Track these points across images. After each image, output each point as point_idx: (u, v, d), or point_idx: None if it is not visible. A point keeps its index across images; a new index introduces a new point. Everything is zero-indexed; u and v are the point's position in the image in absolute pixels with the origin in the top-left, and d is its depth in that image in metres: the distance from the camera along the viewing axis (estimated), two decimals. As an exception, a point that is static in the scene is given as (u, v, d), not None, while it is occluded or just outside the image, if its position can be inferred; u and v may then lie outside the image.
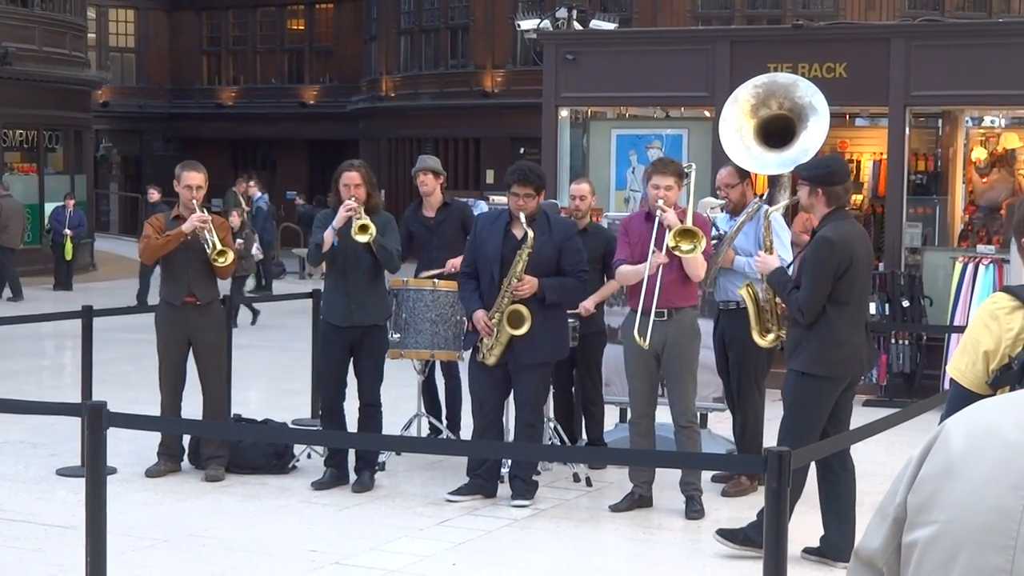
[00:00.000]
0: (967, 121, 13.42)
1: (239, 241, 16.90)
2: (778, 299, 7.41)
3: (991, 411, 1.87)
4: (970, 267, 11.63)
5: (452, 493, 8.23)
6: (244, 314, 17.38)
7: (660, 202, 7.67)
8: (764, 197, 8.76)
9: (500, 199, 20.36)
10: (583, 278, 8.15)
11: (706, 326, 9.09)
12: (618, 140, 13.07)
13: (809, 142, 9.14)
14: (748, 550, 6.88)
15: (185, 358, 8.87)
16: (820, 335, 6.79)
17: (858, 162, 14.73)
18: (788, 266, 7.33)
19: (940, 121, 13.94)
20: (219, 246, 8.66)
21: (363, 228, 8.24)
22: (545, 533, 7.62)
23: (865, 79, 12.20)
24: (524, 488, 8.13)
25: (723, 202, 8.74)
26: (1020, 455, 1.77)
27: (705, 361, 9.00)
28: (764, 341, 7.61)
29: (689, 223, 7.67)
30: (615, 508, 7.97)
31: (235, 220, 17.72)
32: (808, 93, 9.43)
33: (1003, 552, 1.74)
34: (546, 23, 20.64)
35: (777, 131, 9.38)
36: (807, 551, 7.02)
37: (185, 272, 8.80)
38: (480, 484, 8.22)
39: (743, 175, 8.73)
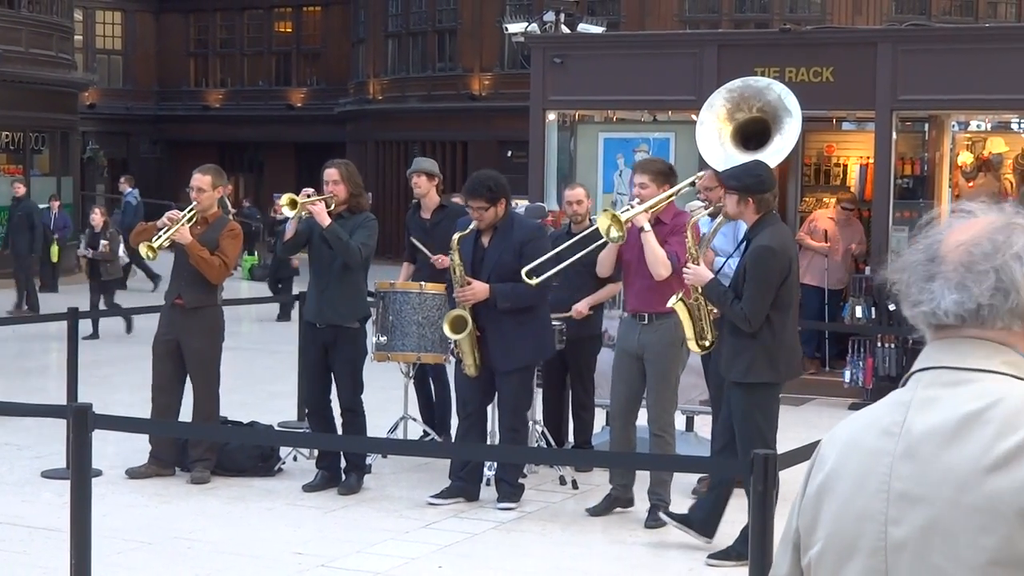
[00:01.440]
0: (953, 125, 13.45)
1: (103, 243, 16.66)
2: (710, 305, 7.30)
3: (854, 423, 1.96)
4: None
5: (434, 496, 8.23)
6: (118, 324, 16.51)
7: (635, 200, 7.67)
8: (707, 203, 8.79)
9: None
10: (548, 284, 8.01)
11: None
12: (605, 143, 13.08)
13: (783, 144, 9.15)
14: (744, 564, 6.86)
15: (172, 358, 8.83)
16: (765, 342, 6.81)
17: (845, 166, 14.75)
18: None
19: (926, 125, 13.96)
20: (162, 237, 8.61)
21: (291, 202, 8.32)
22: (531, 536, 7.62)
23: (852, 83, 12.23)
24: (510, 491, 8.13)
25: (705, 203, 8.76)
26: (878, 460, 1.86)
27: (691, 363, 9.01)
28: (700, 349, 7.47)
29: (628, 214, 7.49)
30: (592, 511, 7.94)
31: (96, 219, 17.37)
32: (781, 95, 9.42)
33: (875, 555, 1.82)
34: (534, 26, 20.62)
35: (755, 134, 9.39)
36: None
37: (180, 274, 8.82)
38: (462, 487, 8.22)
39: None
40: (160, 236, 8.61)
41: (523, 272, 7.72)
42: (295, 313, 14.51)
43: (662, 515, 7.44)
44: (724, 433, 7.20)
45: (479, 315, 7.99)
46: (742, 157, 9.21)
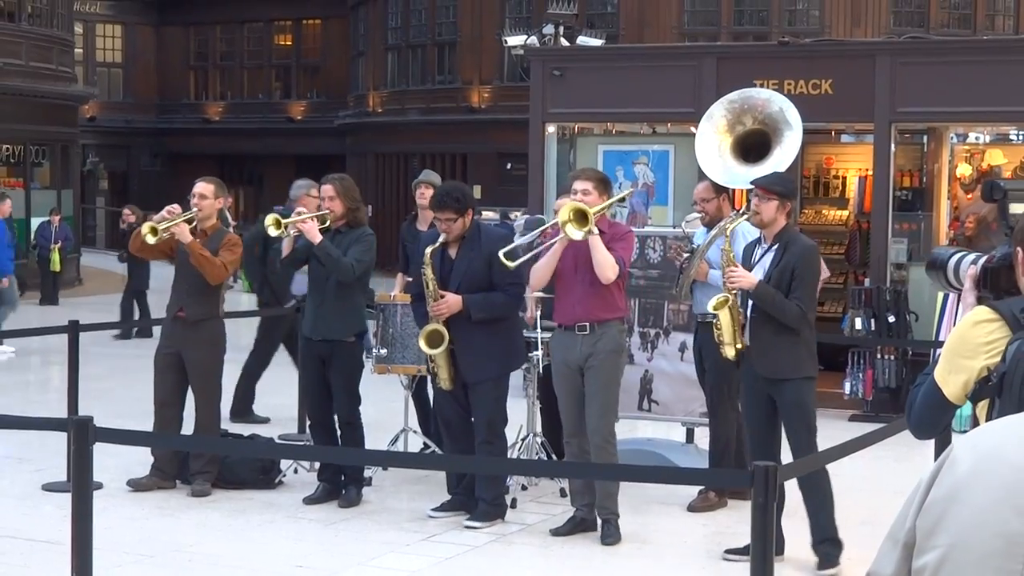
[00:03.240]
0: (952, 138, 13.47)
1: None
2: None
3: (998, 433, 1.86)
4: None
5: (435, 509, 8.23)
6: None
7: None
8: (742, 211, 8.79)
9: (489, 214, 20.39)
10: (512, 292, 7.94)
11: (690, 340, 9.12)
12: (605, 156, 13.10)
13: (783, 156, 9.17)
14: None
15: (175, 372, 8.84)
16: (807, 338, 7.08)
17: (844, 178, 14.78)
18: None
19: (925, 137, 13.99)
20: (158, 227, 8.58)
21: (276, 223, 8.35)
22: (532, 548, 7.62)
23: (851, 96, 12.26)
24: (484, 510, 8.02)
25: (700, 215, 8.78)
26: None
27: (692, 376, 9.02)
28: (733, 353, 7.48)
29: (587, 208, 7.34)
30: (556, 532, 7.77)
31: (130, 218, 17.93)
32: (782, 107, 9.45)
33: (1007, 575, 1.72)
34: (533, 39, 20.66)
35: (754, 146, 9.40)
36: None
37: (181, 286, 8.83)
38: (462, 501, 8.21)
39: (719, 189, 8.76)
40: (164, 223, 8.60)
41: (500, 254, 7.60)
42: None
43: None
44: (756, 435, 7.19)
45: (450, 328, 7.96)
46: (742, 169, 9.24)
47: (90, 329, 10.36)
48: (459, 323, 7.90)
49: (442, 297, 7.87)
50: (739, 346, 7.28)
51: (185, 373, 8.82)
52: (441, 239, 7.90)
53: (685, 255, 8.48)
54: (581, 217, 7.30)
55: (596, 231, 7.35)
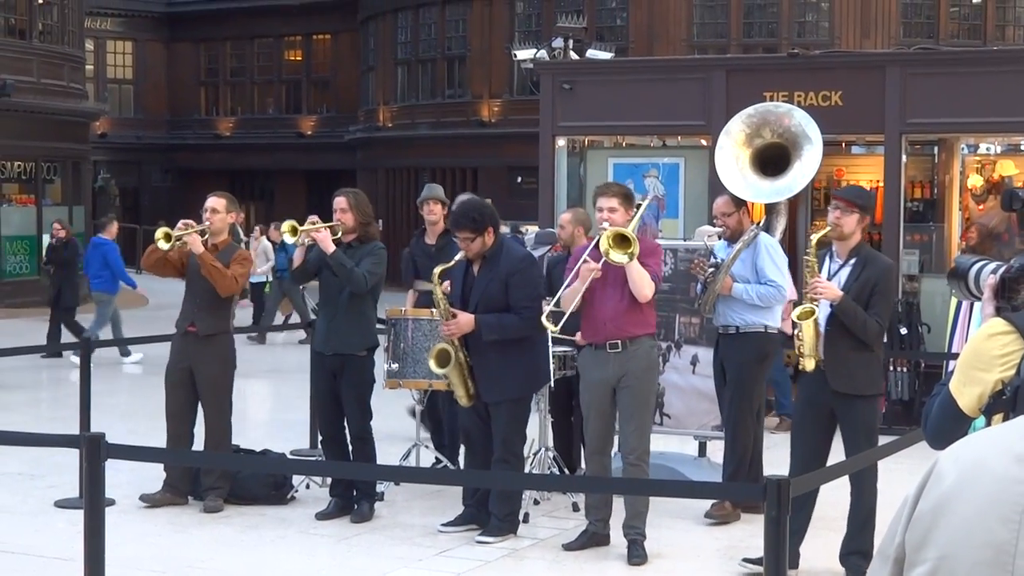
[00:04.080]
0: (963, 148, 13.45)
1: None
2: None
3: (981, 444, 1.87)
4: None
5: (445, 524, 8.21)
6: None
7: (605, 224, 7.45)
8: (761, 224, 8.78)
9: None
10: (526, 315, 7.82)
11: (706, 354, 9.10)
12: (615, 169, 13.09)
13: (803, 170, 9.15)
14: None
15: (186, 387, 8.85)
16: (878, 356, 7.12)
17: (855, 190, 14.74)
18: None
19: (936, 148, 13.96)
20: (173, 234, 8.57)
21: (292, 229, 8.35)
22: (544, 563, 7.60)
23: (861, 107, 12.24)
24: (496, 525, 8.01)
25: (720, 230, 8.75)
26: (1009, 488, 1.77)
27: (705, 389, 9.00)
28: (813, 366, 7.16)
29: (627, 230, 7.31)
30: (568, 547, 7.72)
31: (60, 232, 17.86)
32: (802, 122, 9.45)
33: None
34: (543, 53, 20.68)
35: (772, 159, 9.40)
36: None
37: (192, 301, 8.84)
38: (474, 514, 8.19)
39: (739, 203, 8.73)
40: (178, 231, 8.61)
41: (543, 319, 7.62)
42: (291, 342, 14.69)
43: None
44: (805, 449, 7.07)
45: (468, 346, 7.94)
46: (761, 183, 9.24)
47: (103, 345, 10.37)
48: (475, 343, 7.90)
49: (453, 316, 7.87)
50: (816, 360, 7.16)
51: (196, 388, 8.82)
52: (459, 256, 7.90)
53: (710, 269, 8.44)
54: (622, 241, 7.25)
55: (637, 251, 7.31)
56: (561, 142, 13.55)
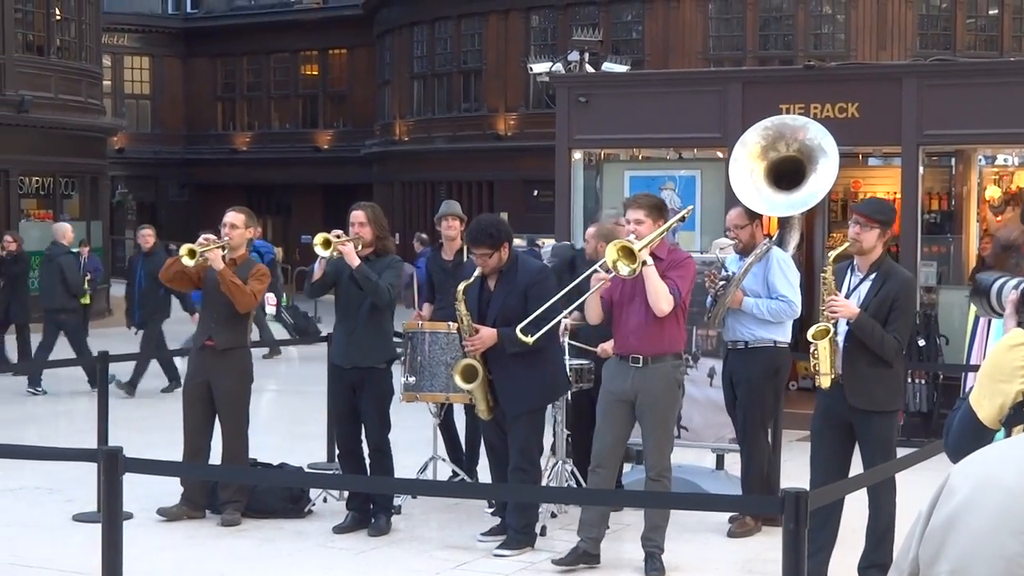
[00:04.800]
0: (980, 160, 13.42)
1: None
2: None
3: (992, 459, 1.87)
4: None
5: (484, 534, 8.22)
6: None
7: (631, 236, 7.36)
8: (774, 238, 8.76)
9: (517, 241, 20.43)
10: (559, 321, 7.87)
11: (719, 366, 9.09)
12: (631, 182, 13.10)
13: (819, 184, 9.12)
14: None
15: (204, 401, 8.87)
16: (898, 371, 7.07)
17: (872, 201, 14.71)
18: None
19: (953, 160, 13.93)
20: (197, 251, 8.59)
21: (325, 242, 8.33)
22: (562, 576, 7.58)
23: (878, 119, 12.23)
24: (513, 537, 8.01)
25: (734, 243, 8.74)
26: (1020, 501, 1.78)
27: (722, 402, 8.97)
28: (829, 384, 7.12)
29: (637, 245, 7.16)
30: (558, 562, 7.65)
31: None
32: (818, 135, 9.43)
33: None
34: (558, 66, 20.72)
35: (787, 173, 9.38)
36: None
37: (210, 316, 8.87)
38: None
39: (752, 216, 8.71)
40: (201, 247, 8.63)
41: (517, 329, 7.59)
42: (308, 356, 14.70)
43: None
44: (824, 464, 7.00)
45: (488, 360, 7.96)
46: (775, 196, 9.22)
47: (120, 360, 10.40)
48: (496, 356, 7.91)
49: (476, 332, 7.87)
50: (833, 376, 7.12)
51: (213, 402, 8.84)
52: (477, 273, 7.91)
53: (720, 283, 8.42)
54: (629, 254, 7.16)
55: (650, 262, 7.22)
56: (577, 155, 13.56)
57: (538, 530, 8.28)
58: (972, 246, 13.30)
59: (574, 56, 20.41)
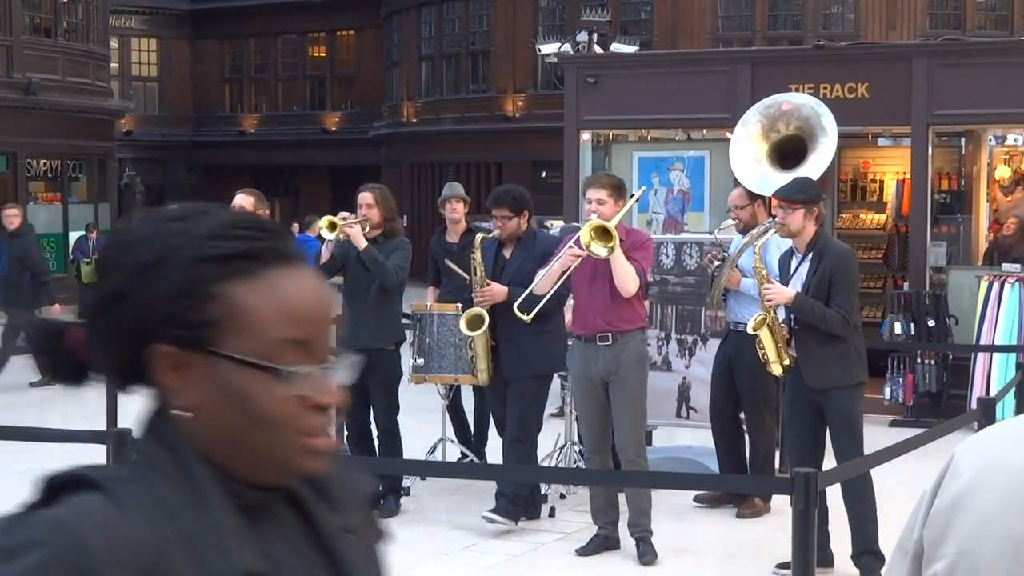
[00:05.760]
0: (990, 140, 13.38)
1: None
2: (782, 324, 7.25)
3: (999, 438, 1.84)
4: (996, 286, 11.59)
5: (491, 511, 8.24)
6: None
7: (593, 216, 7.31)
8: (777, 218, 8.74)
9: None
10: (562, 294, 7.86)
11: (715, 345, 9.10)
12: (640, 163, 13.07)
13: (819, 160, 9.08)
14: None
15: None
16: (855, 343, 7.00)
17: (881, 182, 14.70)
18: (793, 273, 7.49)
19: (963, 140, 13.90)
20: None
21: (331, 225, 8.37)
22: (571, 557, 7.58)
23: (887, 99, 12.18)
24: (506, 506, 8.03)
25: (736, 222, 8.74)
26: None
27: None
28: (781, 371, 7.38)
29: (609, 224, 7.14)
30: (582, 551, 7.61)
31: None
32: (818, 112, 9.39)
33: None
34: (567, 47, 20.67)
35: (790, 152, 9.35)
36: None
37: None
38: (525, 506, 8.22)
39: (753, 196, 8.71)
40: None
41: (515, 307, 7.62)
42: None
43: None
44: (799, 444, 7.04)
45: (495, 325, 8.02)
46: (778, 175, 9.19)
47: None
48: (504, 319, 7.93)
49: (488, 285, 7.92)
50: (787, 362, 7.14)
51: None
52: (495, 233, 7.98)
53: (716, 263, 8.42)
54: (604, 234, 7.14)
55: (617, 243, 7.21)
56: (586, 136, 13.53)
57: (547, 511, 8.28)
58: (982, 226, 13.28)
59: (583, 36, 20.36)
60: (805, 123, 9.37)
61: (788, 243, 7.57)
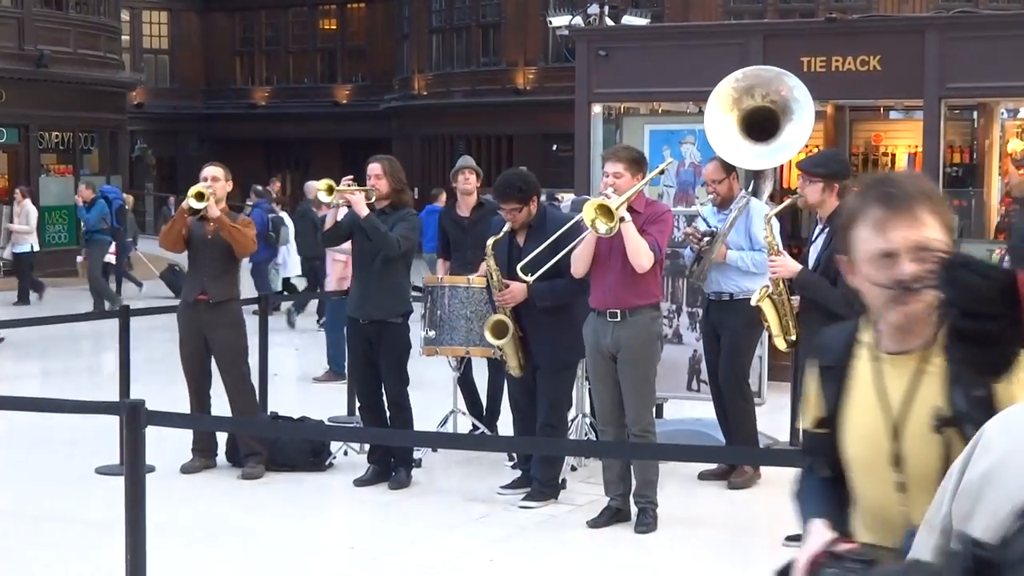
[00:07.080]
0: (1002, 113, 13.33)
1: None
2: (793, 298, 7.25)
3: None
4: (1007, 259, 11.57)
5: (504, 487, 8.26)
6: None
7: (609, 190, 7.28)
8: (750, 189, 8.73)
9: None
10: (584, 280, 7.78)
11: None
12: (651, 136, 13.04)
13: (795, 135, 8.93)
14: None
15: (202, 355, 8.90)
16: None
17: (893, 155, 14.66)
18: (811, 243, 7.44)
19: (975, 113, 13.85)
20: (204, 192, 8.61)
21: (328, 188, 8.38)
22: (582, 529, 7.60)
23: (899, 72, 12.14)
24: (538, 489, 8.06)
25: (712, 196, 8.73)
26: None
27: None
28: (786, 345, 7.36)
29: (614, 203, 7.10)
30: (593, 523, 7.62)
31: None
32: (790, 84, 9.26)
33: None
34: (578, 19, 20.63)
35: (760, 123, 9.22)
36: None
37: (200, 270, 8.86)
38: (530, 478, 8.24)
39: (729, 169, 8.64)
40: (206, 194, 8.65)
41: (518, 268, 7.64)
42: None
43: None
44: None
45: (520, 316, 7.96)
46: (749, 147, 9.08)
47: (141, 314, 10.44)
48: (528, 311, 7.91)
49: (506, 287, 7.88)
50: (792, 336, 7.11)
51: (210, 356, 8.88)
52: (506, 228, 7.91)
53: (705, 239, 8.39)
54: (606, 212, 7.11)
55: (627, 218, 7.16)
56: (597, 109, 13.50)
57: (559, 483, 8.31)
58: (994, 200, 13.24)
59: (594, 9, 20.31)
60: (778, 96, 9.26)
61: (766, 209, 7.57)
